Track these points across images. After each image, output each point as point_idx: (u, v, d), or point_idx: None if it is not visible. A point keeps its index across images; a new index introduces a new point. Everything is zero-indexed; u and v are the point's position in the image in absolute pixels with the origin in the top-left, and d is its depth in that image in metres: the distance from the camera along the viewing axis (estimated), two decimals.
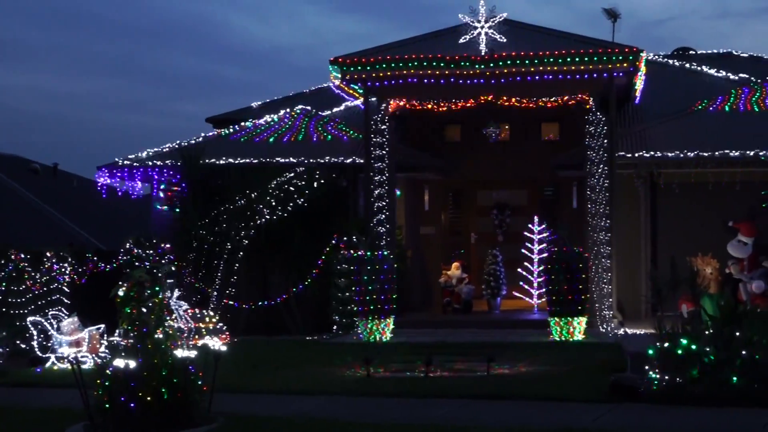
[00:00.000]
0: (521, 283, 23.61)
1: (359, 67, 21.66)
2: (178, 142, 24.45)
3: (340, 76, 21.92)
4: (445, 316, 23.06)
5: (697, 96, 24.60)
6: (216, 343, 12.59)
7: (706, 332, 13.13)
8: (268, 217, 21.41)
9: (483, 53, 21.22)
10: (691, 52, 32.11)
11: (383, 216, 21.63)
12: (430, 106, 22.04)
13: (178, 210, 22.67)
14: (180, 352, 11.42)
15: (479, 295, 23.56)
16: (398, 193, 23.27)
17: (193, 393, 11.35)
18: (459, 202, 26.36)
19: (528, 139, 25.22)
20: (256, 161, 22.65)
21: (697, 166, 21.13)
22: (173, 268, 20.13)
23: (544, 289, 21.27)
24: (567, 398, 12.88)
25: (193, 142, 24.37)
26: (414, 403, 12.89)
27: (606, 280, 20.79)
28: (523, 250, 23.56)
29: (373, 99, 22.04)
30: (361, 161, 22.14)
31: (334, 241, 21.11)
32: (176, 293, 18.26)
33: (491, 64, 21.12)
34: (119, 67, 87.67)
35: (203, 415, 11.43)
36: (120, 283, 11.51)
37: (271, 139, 24.27)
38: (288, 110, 25.74)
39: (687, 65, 28.72)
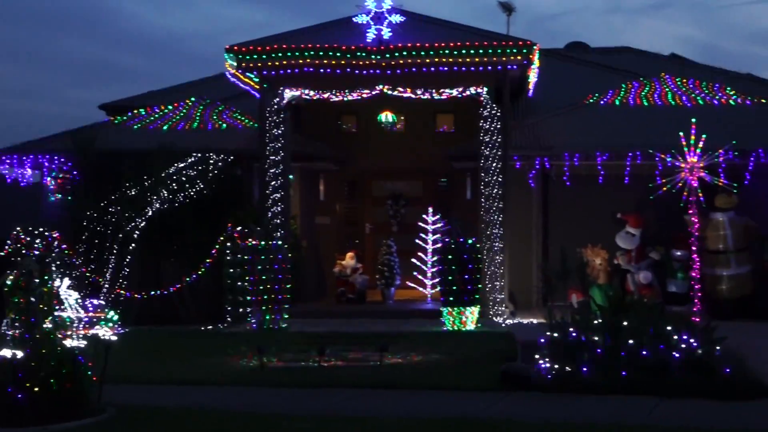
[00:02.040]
0: (415, 273, 23.76)
1: (255, 56, 21.53)
2: (70, 128, 24.04)
3: (235, 64, 21.76)
4: (339, 306, 23.09)
5: (588, 90, 25.03)
6: (107, 333, 12.41)
7: (595, 322, 13.40)
8: (161, 205, 21.18)
9: (379, 44, 21.28)
10: (583, 46, 32.67)
11: (278, 206, 21.56)
12: (326, 95, 22.00)
13: (70, 198, 22.30)
14: (69, 342, 11.26)
15: (373, 285, 23.64)
16: (293, 183, 23.20)
17: (83, 383, 11.20)
18: (354, 193, 26.40)
19: (423, 130, 25.39)
20: (150, 149, 22.38)
21: (588, 159, 21.49)
22: (63, 258, 19.77)
23: (437, 280, 21.44)
24: (459, 387, 13.02)
25: (85, 128, 23.99)
26: (307, 392, 12.91)
27: (498, 271, 21.05)
28: (417, 241, 23.70)
29: (269, 88, 21.93)
30: (257, 150, 22.03)
31: (228, 231, 20.97)
32: (66, 282, 17.93)
33: (387, 55, 21.19)
34: (7, 53, 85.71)
35: (93, 406, 11.28)
36: (7, 272, 11.29)
37: (165, 127, 24.01)
38: (183, 98, 25.49)
39: (579, 59, 29.18)
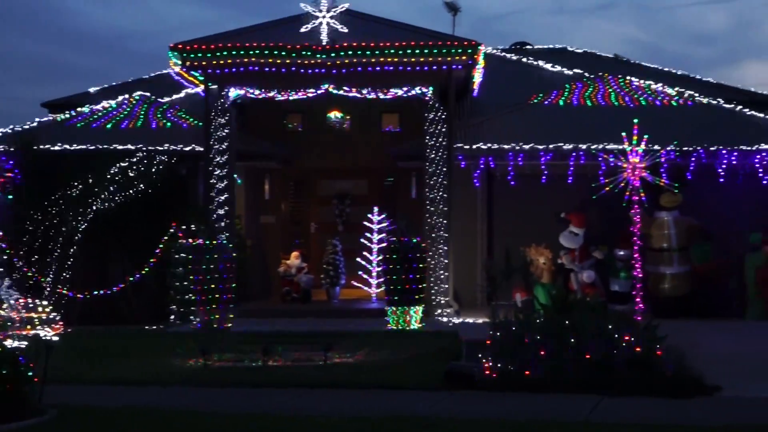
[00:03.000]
0: (360, 272, 23.77)
1: (199, 54, 21.45)
2: (11, 126, 23.79)
3: (180, 62, 21.65)
4: (284, 305, 23.04)
5: (533, 90, 25.21)
6: (48, 334, 12.31)
7: (538, 320, 13.50)
8: (105, 204, 21.02)
9: (324, 43, 21.28)
10: (528, 46, 32.87)
11: (223, 205, 21.50)
12: (271, 94, 21.95)
13: (11, 197, 22.05)
14: (10, 343, 11.14)
15: (318, 284, 23.63)
16: (239, 181, 23.14)
17: (24, 385, 11.07)
18: (300, 192, 26.35)
19: (369, 129, 25.40)
20: (93, 147, 22.21)
21: (532, 159, 21.64)
22: (4, 257, 19.59)
23: (382, 279, 21.48)
24: (403, 386, 13.03)
25: (27, 126, 23.75)
26: (252, 392, 12.87)
27: (443, 270, 21.14)
28: (362, 240, 23.72)
29: (214, 86, 21.85)
30: (201, 149, 21.95)
31: (172, 230, 20.86)
32: (7, 282, 17.79)
33: (332, 54, 21.21)
34: None
35: (35, 407, 11.15)
36: None
37: (109, 125, 23.82)
38: (127, 96, 25.31)
39: (524, 59, 29.37)
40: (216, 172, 21.55)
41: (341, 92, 21.75)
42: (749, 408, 11.51)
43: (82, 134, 23.21)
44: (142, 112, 24.44)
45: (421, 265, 20.02)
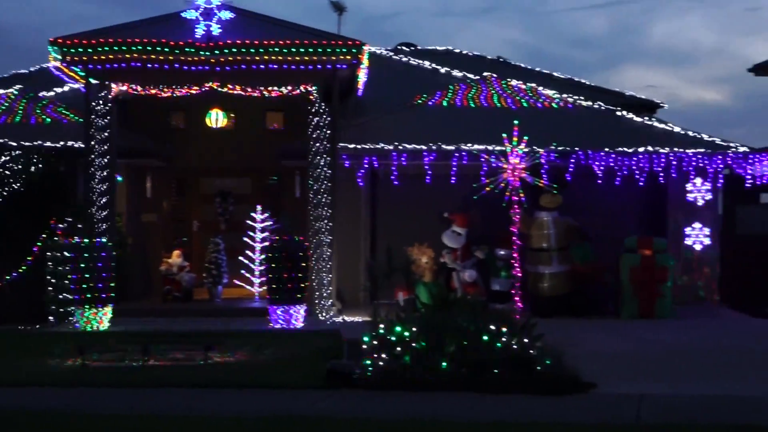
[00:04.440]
0: (243, 271, 23.64)
1: (80, 49, 21.06)
2: None
3: (60, 57, 21.24)
4: (165, 304, 22.79)
5: (417, 90, 25.40)
6: None
7: (419, 319, 13.60)
8: None
9: (208, 40, 21.11)
10: (413, 47, 33.12)
11: (103, 202, 21.15)
12: (154, 91, 21.68)
13: None
14: None
15: (201, 283, 23.45)
16: (120, 179, 22.81)
17: None
18: (182, 190, 26.08)
19: (253, 127, 25.27)
20: None
21: (416, 159, 21.79)
22: None
23: (265, 278, 21.40)
24: (285, 385, 13.03)
25: None
26: (131, 392, 12.72)
27: (326, 269, 21.15)
28: (245, 239, 23.58)
29: (95, 82, 21.50)
30: (82, 146, 21.58)
31: (51, 228, 20.46)
32: None
33: (216, 52, 21.04)
34: None
35: None
36: None
37: None
38: (4, 91, 24.75)
39: (409, 60, 29.55)
40: (97, 170, 21.20)
41: (225, 90, 21.60)
42: (622, 405, 11.77)
43: None
44: (21, 107, 23.93)
45: (304, 264, 20.01)
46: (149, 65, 21.16)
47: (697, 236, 23.44)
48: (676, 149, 22.48)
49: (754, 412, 11.32)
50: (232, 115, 25.11)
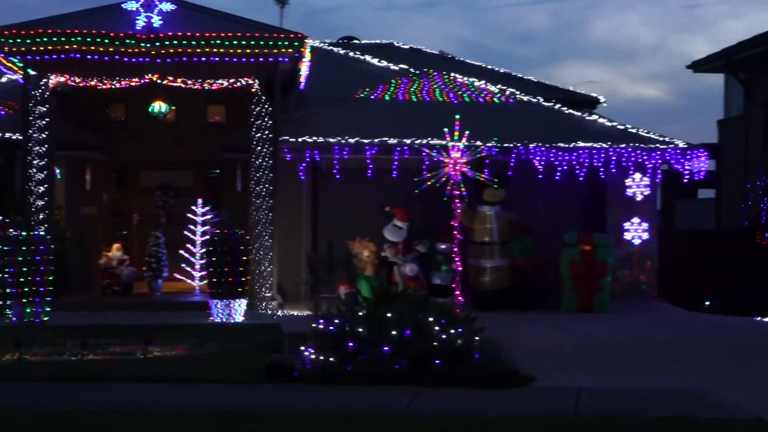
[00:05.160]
0: (183, 265, 23.50)
1: (18, 40, 20.78)
2: None
3: None
4: (104, 298, 22.58)
5: (359, 84, 25.38)
6: None
7: (360, 313, 13.62)
8: None
9: (148, 32, 20.94)
10: (355, 41, 33.11)
11: (41, 192, 20.92)
12: (93, 83, 21.47)
13: None
14: None
15: (141, 277, 23.25)
16: (58, 172, 22.57)
17: None
18: (123, 183, 25.82)
19: (195, 120, 25.11)
20: None
21: (358, 153, 21.80)
22: None
23: (206, 272, 21.29)
24: (225, 380, 12.99)
25: None
26: (69, 387, 12.61)
27: (267, 263, 21.09)
28: (186, 232, 23.45)
29: (34, 74, 21.24)
30: (19, 138, 21.32)
31: None
32: None
33: (157, 43, 20.87)
34: None
35: None
36: None
37: None
38: None
39: (351, 54, 29.54)
40: (35, 162, 20.96)
41: (166, 82, 21.44)
42: (561, 398, 11.88)
43: None
44: None
45: (245, 258, 19.95)
46: (89, 57, 20.95)
47: (636, 231, 23.67)
48: (615, 145, 22.70)
49: (685, 404, 11.48)
50: (173, 107, 24.93)
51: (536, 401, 11.72)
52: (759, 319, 21.03)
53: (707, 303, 24.57)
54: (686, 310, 22.29)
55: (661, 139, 23.55)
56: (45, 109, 21.10)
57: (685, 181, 23.20)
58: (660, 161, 22.96)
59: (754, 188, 29.44)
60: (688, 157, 22.87)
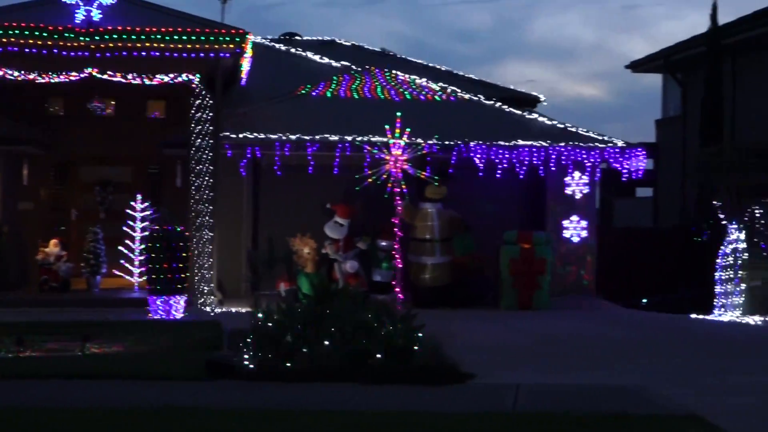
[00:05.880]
0: (122, 261, 23.33)
1: None
2: None
3: None
4: (41, 294, 22.35)
5: (301, 81, 25.36)
6: None
7: (299, 310, 13.58)
8: None
9: (88, 26, 20.75)
10: (297, 37, 33.02)
11: None
12: (32, 76, 21.22)
13: None
14: None
15: (79, 273, 23.03)
16: None
17: None
18: (61, 178, 25.56)
19: (134, 115, 24.93)
20: None
21: (299, 149, 21.77)
22: None
23: (144, 268, 21.15)
24: (164, 377, 12.86)
25: None
26: (4, 385, 12.44)
27: (207, 259, 21.00)
28: (125, 228, 23.27)
29: None
30: None
31: None
32: None
33: (96, 38, 20.70)
34: None
35: None
36: None
37: None
38: None
39: (292, 50, 29.48)
40: None
41: (105, 77, 21.25)
42: (500, 394, 11.93)
43: None
44: None
45: (184, 254, 19.84)
46: (27, 50, 20.72)
47: (575, 229, 23.87)
48: (555, 143, 22.87)
49: (622, 400, 11.58)
50: (113, 102, 24.73)
51: (476, 397, 11.76)
52: (694, 316, 21.33)
53: (644, 300, 24.87)
54: (624, 307, 22.52)
55: (600, 138, 23.77)
56: None
57: (624, 179, 23.45)
58: (599, 160, 23.18)
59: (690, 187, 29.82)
60: (627, 156, 23.11)
